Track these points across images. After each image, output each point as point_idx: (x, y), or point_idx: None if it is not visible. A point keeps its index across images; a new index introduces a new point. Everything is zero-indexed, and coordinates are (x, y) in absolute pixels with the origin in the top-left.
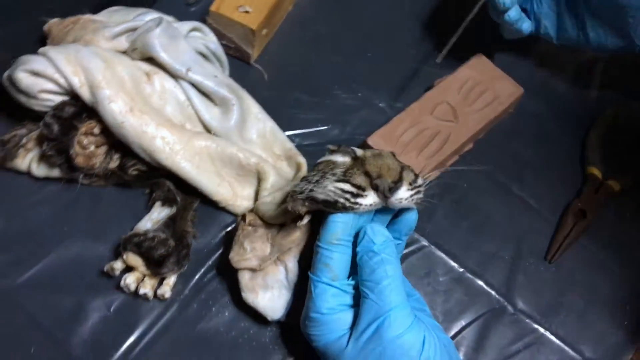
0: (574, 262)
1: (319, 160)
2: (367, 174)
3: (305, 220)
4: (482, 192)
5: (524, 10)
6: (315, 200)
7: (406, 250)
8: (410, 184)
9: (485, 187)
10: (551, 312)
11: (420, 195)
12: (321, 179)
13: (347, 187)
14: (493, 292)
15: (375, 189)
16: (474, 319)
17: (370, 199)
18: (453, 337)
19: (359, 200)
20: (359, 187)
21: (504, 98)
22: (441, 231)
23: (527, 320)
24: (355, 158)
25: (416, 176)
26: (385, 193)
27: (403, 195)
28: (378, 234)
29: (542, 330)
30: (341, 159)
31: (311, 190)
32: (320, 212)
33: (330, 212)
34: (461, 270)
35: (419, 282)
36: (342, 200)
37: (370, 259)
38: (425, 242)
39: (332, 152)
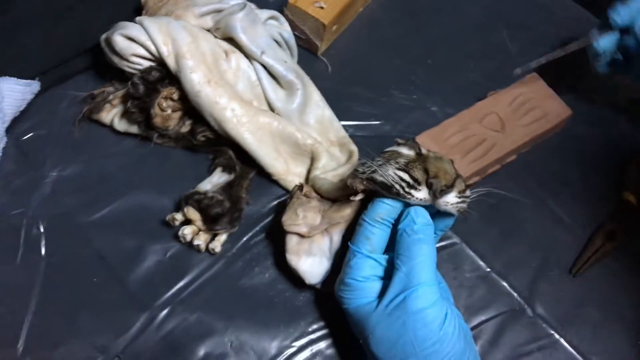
0: (597, 279)
1: (385, 150)
2: (425, 171)
3: (359, 197)
4: (518, 202)
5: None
6: (374, 181)
7: (439, 245)
8: (459, 192)
9: (522, 197)
10: (568, 321)
11: (464, 205)
12: (385, 164)
13: (405, 176)
14: (515, 294)
15: (429, 186)
16: (494, 316)
17: (422, 193)
18: (472, 329)
19: (412, 191)
20: (415, 179)
21: (552, 117)
22: (474, 232)
23: (544, 325)
24: (419, 154)
25: (466, 187)
26: (436, 193)
27: (450, 200)
28: (420, 215)
29: (557, 336)
30: (406, 151)
31: (373, 171)
32: (373, 195)
33: (383, 195)
34: (488, 270)
35: (446, 275)
36: (397, 186)
37: (409, 236)
38: (457, 240)
39: (400, 144)
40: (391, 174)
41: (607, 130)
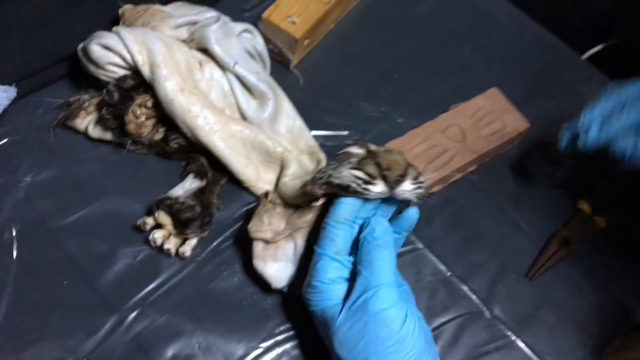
0: (552, 283)
1: (338, 153)
2: (378, 165)
3: (320, 201)
4: (479, 209)
5: None
6: (332, 184)
7: (402, 250)
8: (414, 179)
9: (482, 205)
10: (524, 322)
11: (422, 191)
12: (339, 166)
13: (360, 174)
14: (474, 297)
15: (384, 179)
16: (453, 318)
17: (379, 187)
18: (433, 330)
19: (369, 187)
20: (370, 175)
21: (511, 129)
22: (436, 237)
23: (501, 326)
24: (369, 151)
25: (419, 174)
26: (392, 184)
27: (407, 187)
28: (380, 223)
29: (513, 337)
30: (357, 150)
31: (329, 176)
32: (333, 198)
33: (343, 196)
34: (448, 274)
35: (409, 278)
36: (354, 185)
37: (369, 242)
38: (420, 245)
39: (350, 145)
40: (346, 174)
41: None
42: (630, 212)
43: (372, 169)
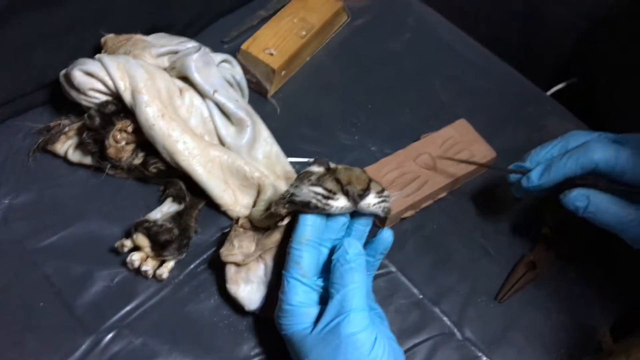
0: (521, 305)
1: (299, 173)
2: (337, 181)
3: (285, 221)
4: (449, 235)
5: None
6: (294, 202)
7: (376, 273)
8: (378, 193)
9: (453, 230)
10: (494, 344)
11: (387, 205)
12: (299, 184)
13: (319, 189)
14: (445, 319)
15: (346, 194)
16: (426, 339)
17: (341, 202)
18: (406, 352)
19: (330, 202)
20: (329, 190)
21: (478, 158)
22: (408, 261)
23: (472, 348)
24: (329, 168)
25: (383, 189)
26: (355, 198)
27: (371, 201)
28: (352, 246)
29: (484, 358)
30: (317, 168)
31: (291, 194)
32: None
33: (306, 213)
34: (420, 296)
35: (382, 301)
36: (314, 201)
37: (342, 265)
38: (393, 268)
39: (311, 164)
40: (305, 191)
41: None
42: (588, 241)
43: (331, 184)
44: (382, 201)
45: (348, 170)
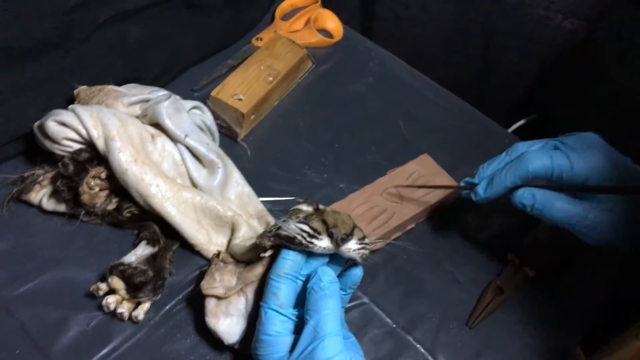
0: (491, 330)
1: (290, 209)
2: (324, 222)
3: (269, 253)
4: (419, 264)
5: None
6: (279, 236)
7: (350, 305)
8: (359, 239)
9: (421, 260)
10: None
11: (366, 252)
12: (287, 220)
13: (305, 227)
14: (419, 347)
15: (330, 236)
16: None
17: (324, 242)
18: None
19: (314, 241)
20: (315, 230)
21: (441, 190)
22: (381, 292)
23: None
24: (317, 209)
25: (365, 236)
26: (338, 241)
27: (352, 246)
28: (327, 274)
29: None
30: (306, 207)
31: (278, 228)
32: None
33: (290, 248)
34: (394, 325)
35: (357, 332)
36: (299, 237)
37: (316, 292)
38: (366, 300)
39: (301, 202)
40: (292, 227)
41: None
42: (551, 264)
43: (317, 224)
44: (362, 248)
45: (335, 214)
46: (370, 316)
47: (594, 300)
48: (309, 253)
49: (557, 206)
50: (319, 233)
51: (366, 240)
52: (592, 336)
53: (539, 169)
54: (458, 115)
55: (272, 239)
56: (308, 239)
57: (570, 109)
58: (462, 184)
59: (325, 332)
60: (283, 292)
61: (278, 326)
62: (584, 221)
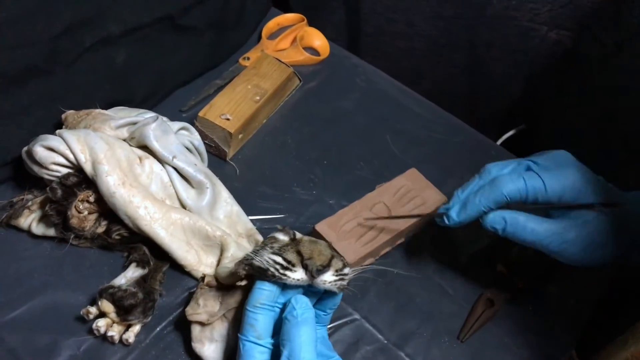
0: (482, 342)
1: (267, 236)
2: (299, 253)
3: (244, 282)
4: (409, 279)
5: None
6: (253, 266)
7: (340, 322)
8: (336, 271)
9: (412, 274)
10: None
11: (344, 283)
12: (261, 249)
13: (279, 259)
14: None
15: (305, 267)
16: None
17: (298, 274)
18: None
19: (288, 273)
20: (289, 262)
21: (430, 203)
22: (371, 308)
23: None
24: (293, 239)
25: (344, 266)
26: (313, 273)
27: (328, 278)
28: (300, 302)
29: None
30: (282, 237)
31: (252, 258)
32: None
33: (263, 279)
34: (385, 341)
35: (349, 348)
36: (272, 269)
37: (289, 321)
38: (357, 316)
39: (278, 231)
40: (266, 258)
41: None
42: (539, 274)
43: (291, 256)
44: (339, 279)
45: (312, 244)
46: (361, 332)
47: (585, 306)
48: (284, 283)
49: (529, 228)
50: (293, 265)
51: (345, 271)
52: (587, 339)
53: (513, 192)
54: (445, 128)
55: (246, 268)
56: (281, 270)
57: (559, 118)
58: (440, 211)
59: (300, 359)
60: (260, 323)
61: (257, 357)
62: (557, 240)
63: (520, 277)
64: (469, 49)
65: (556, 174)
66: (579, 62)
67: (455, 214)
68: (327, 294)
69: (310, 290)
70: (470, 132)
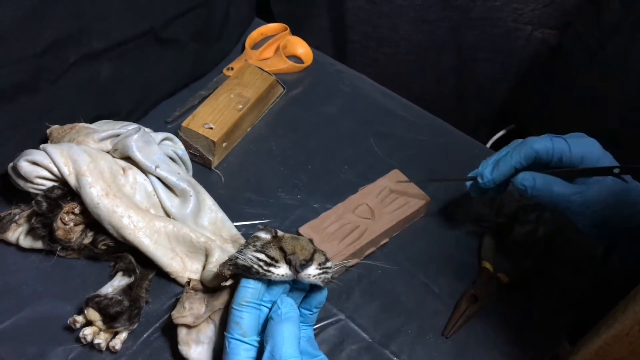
0: (467, 338)
1: (249, 238)
2: (281, 250)
3: (229, 282)
4: (393, 278)
5: None
6: (237, 265)
7: (325, 322)
8: (319, 265)
9: (396, 273)
10: None
11: (328, 276)
12: (245, 248)
13: (262, 256)
14: (396, 359)
15: (289, 263)
16: None
17: (282, 270)
18: None
19: (272, 269)
20: (272, 258)
21: (413, 203)
22: (356, 307)
23: None
24: (275, 236)
25: (327, 260)
26: (297, 268)
27: (312, 272)
28: (285, 302)
29: None
30: (264, 235)
31: (235, 257)
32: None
33: (248, 277)
34: (370, 340)
35: (334, 348)
36: (256, 266)
37: (273, 319)
38: (342, 316)
39: (259, 230)
40: (249, 256)
41: (462, 213)
42: (524, 270)
43: (274, 252)
44: (323, 273)
45: (294, 240)
46: (346, 332)
47: (569, 301)
48: (269, 280)
49: (555, 188)
50: (277, 261)
51: (328, 264)
52: (578, 327)
53: (541, 149)
54: (429, 130)
55: (230, 268)
56: (265, 267)
57: (548, 116)
58: (469, 175)
59: (281, 355)
60: (245, 321)
61: (242, 355)
62: (578, 201)
63: (505, 272)
64: (455, 51)
65: (578, 141)
66: (565, 61)
67: (488, 172)
68: (312, 290)
69: (295, 287)
70: (454, 133)
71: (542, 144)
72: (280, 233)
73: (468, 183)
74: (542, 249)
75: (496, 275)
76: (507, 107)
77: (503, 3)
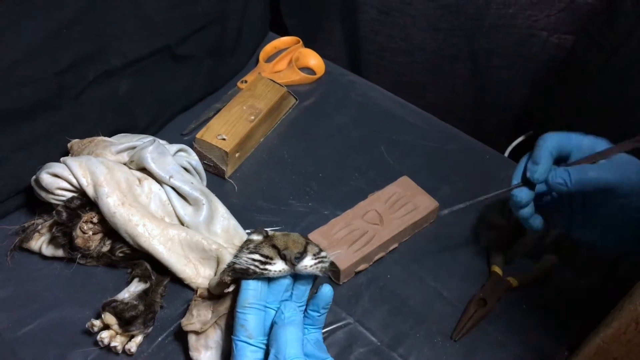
0: (475, 342)
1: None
2: (274, 247)
3: (231, 288)
4: (403, 282)
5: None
6: (235, 270)
7: (334, 326)
8: (314, 255)
9: (406, 278)
10: None
11: (325, 265)
12: (239, 253)
13: (256, 256)
14: None
15: (284, 258)
16: None
17: (278, 266)
18: None
19: (268, 267)
20: (266, 256)
21: (422, 209)
22: (365, 312)
23: None
24: (266, 236)
25: (320, 250)
26: (292, 261)
27: (308, 263)
28: (288, 307)
29: None
30: (256, 237)
31: (232, 263)
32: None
33: (247, 279)
34: (378, 343)
35: (342, 351)
36: (252, 267)
37: (277, 323)
38: (351, 320)
39: (250, 233)
40: (244, 258)
41: (471, 218)
42: (535, 273)
43: (268, 250)
44: (319, 262)
45: (285, 236)
46: (355, 336)
47: (578, 305)
48: (269, 279)
49: (591, 172)
50: (271, 258)
51: (323, 254)
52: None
53: (557, 135)
54: (439, 136)
55: (230, 274)
56: (261, 266)
57: (564, 121)
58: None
59: (285, 356)
60: (250, 323)
61: (249, 357)
62: (618, 175)
63: (515, 276)
64: (470, 59)
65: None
66: (580, 66)
67: (533, 168)
68: (317, 292)
69: (298, 284)
70: (464, 139)
71: (554, 133)
72: (270, 232)
73: (515, 191)
74: (552, 253)
75: (505, 279)
76: (524, 113)
77: (517, 10)
